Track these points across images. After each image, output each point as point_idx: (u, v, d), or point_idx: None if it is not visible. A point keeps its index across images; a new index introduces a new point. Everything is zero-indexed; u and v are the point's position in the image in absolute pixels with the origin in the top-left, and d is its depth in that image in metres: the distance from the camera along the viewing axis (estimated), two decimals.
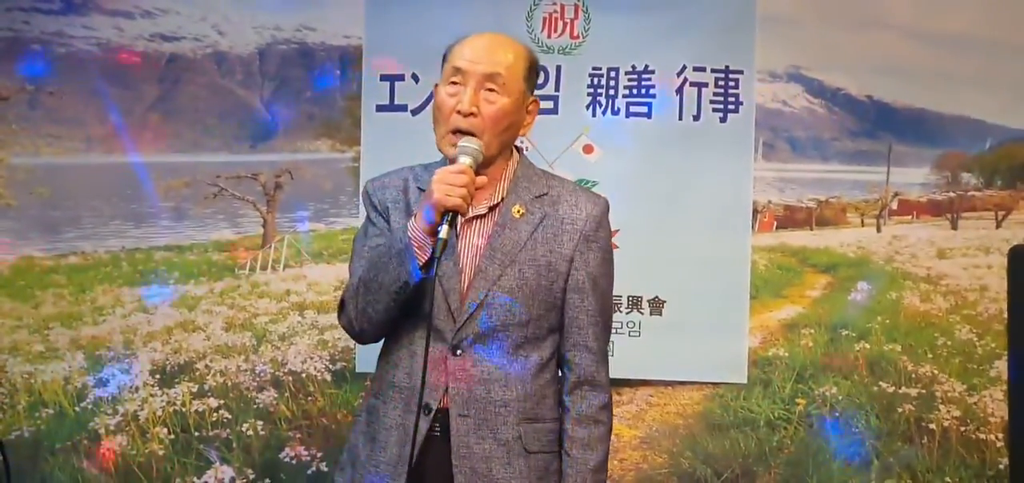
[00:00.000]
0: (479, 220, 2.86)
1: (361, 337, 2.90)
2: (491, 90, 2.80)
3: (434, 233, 2.67)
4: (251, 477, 4.76)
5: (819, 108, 4.91)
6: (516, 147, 2.95)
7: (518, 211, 2.86)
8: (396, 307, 2.77)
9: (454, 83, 2.81)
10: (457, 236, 2.80)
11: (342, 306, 2.89)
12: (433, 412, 2.79)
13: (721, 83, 4.69)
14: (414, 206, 2.83)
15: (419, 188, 2.88)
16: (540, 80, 4.57)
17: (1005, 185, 4.83)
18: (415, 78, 4.67)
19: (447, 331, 2.80)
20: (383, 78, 4.70)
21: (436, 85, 2.91)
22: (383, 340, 2.93)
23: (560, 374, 2.94)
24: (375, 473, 2.82)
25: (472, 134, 2.77)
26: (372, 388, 2.95)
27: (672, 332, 4.69)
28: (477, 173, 2.75)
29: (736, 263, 4.71)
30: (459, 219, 2.72)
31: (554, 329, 2.89)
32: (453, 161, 2.77)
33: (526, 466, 2.83)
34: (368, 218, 2.93)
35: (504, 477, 2.81)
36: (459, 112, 2.78)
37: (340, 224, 4.86)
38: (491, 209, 2.87)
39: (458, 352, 2.80)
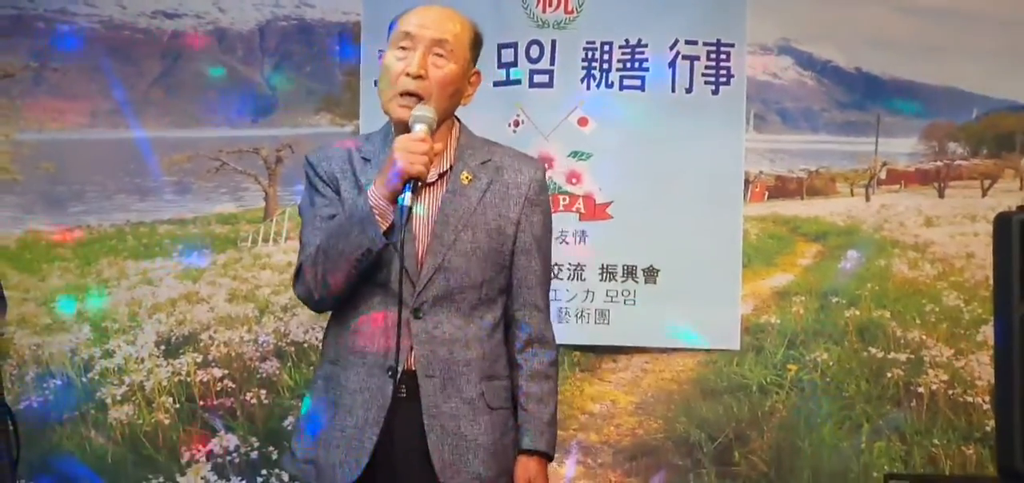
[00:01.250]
0: (429, 188, 2.89)
1: (319, 305, 2.94)
2: (439, 55, 2.85)
3: (395, 200, 2.73)
4: (255, 445, 4.83)
5: (809, 80, 4.98)
6: (456, 116, 3.00)
7: (466, 177, 2.92)
8: (356, 274, 2.81)
9: (403, 47, 2.86)
10: (410, 205, 2.83)
11: (297, 275, 2.93)
12: (399, 375, 2.83)
13: (713, 56, 4.75)
14: (361, 176, 2.88)
15: (363, 158, 2.93)
16: (535, 55, 4.75)
17: (991, 154, 4.91)
18: None
19: (407, 296, 2.83)
20: (381, 53, 4.72)
21: (382, 51, 2.97)
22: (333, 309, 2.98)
23: (509, 334, 3.00)
24: (341, 436, 2.85)
25: (420, 97, 2.82)
26: (328, 355, 2.96)
27: (666, 300, 4.77)
28: None
29: (728, 232, 4.78)
30: (419, 185, 2.78)
31: (503, 290, 2.96)
32: (401, 123, 2.84)
33: (489, 422, 2.91)
34: (314, 188, 2.95)
35: (472, 433, 2.87)
36: (408, 74, 2.82)
37: None
38: (440, 176, 2.92)
39: (419, 315, 2.85)
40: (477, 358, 2.91)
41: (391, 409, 2.82)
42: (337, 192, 2.92)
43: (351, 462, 2.82)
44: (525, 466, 2.95)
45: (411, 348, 2.84)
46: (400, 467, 2.85)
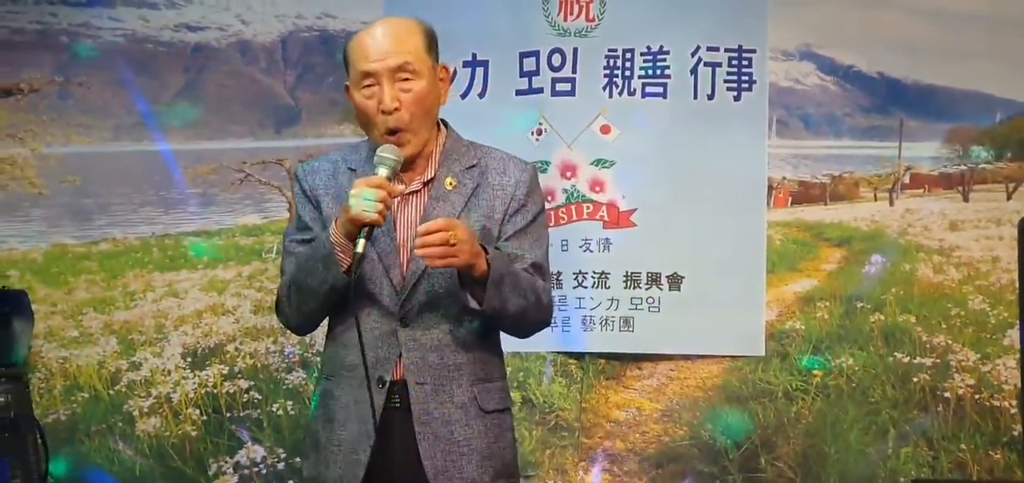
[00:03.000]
0: (414, 196, 2.88)
1: (299, 331, 3.00)
2: (404, 79, 2.81)
3: (353, 240, 2.71)
4: (282, 456, 4.83)
5: (831, 85, 4.98)
6: (442, 121, 2.98)
7: (450, 183, 2.90)
8: (330, 304, 2.82)
9: (368, 86, 2.81)
10: (394, 216, 2.82)
11: (278, 305, 2.95)
12: (388, 384, 2.83)
13: (734, 62, 4.76)
14: (347, 188, 2.81)
15: (349, 168, 2.91)
16: (557, 63, 4.76)
17: (1015, 157, 4.90)
18: None
19: (392, 306, 2.83)
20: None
21: (346, 87, 2.90)
22: (328, 323, 2.95)
23: None
24: (338, 451, 2.85)
25: (401, 129, 2.79)
26: (324, 371, 2.97)
27: (691, 307, 4.77)
28: (403, 169, 2.80)
29: (752, 239, 4.78)
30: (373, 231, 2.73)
31: None
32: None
33: (483, 426, 2.88)
34: (298, 205, 2.94)
35: (465, 437, 2.85)
36: (384, 112, 2.79)
37: None
38: (425, 184, 2.90)
39: (407, 324, 2.83)
40: (468, 362, 2.88)
41: (385, 420, 2.81)
42: (318, 208, 2.90)
43: (349, 476, 2.82)
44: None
45: (400, 357, 2.83)
46: (398, 478, 2.84)
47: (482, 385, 2.90)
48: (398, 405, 2.84)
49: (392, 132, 2.80)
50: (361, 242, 2.68)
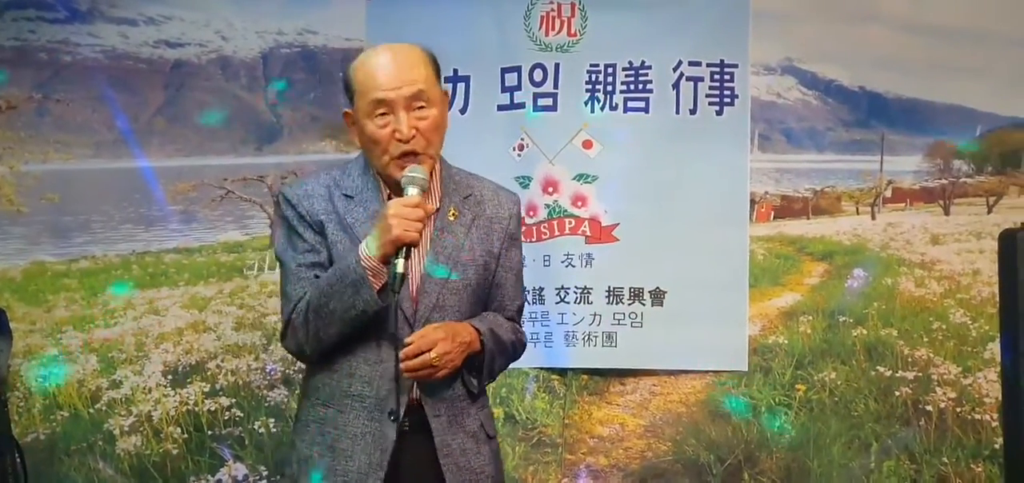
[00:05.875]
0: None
1: (310, 357, 2.93)
2: (420, 107, 2.84)
3: (387, 262, 2.72)
4: (264, 473, 4.81)
5: (813, 99, 4.99)
6: None
7: (453, 214, 2.94)
8: (350, 329, 2.81)
9: (382, 114, 2.82)
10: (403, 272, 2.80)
11: (285, 331, 2.91)
12: (401, 417, 2.85)
13: (716, 77, 4.76)
14: (346, 215, 2.87)
15: (345, 195, 2.91)
16: (539, 79, 4.76)
17: (995, 171, 4.91)
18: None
19: (404, 336, 2.81)
20: None
21: (346, 112, 2.92)
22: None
23: None
24: (343, 481, 2.84)
25: (416, 153, 2.81)
26: (316, 397, 2.93)
27: (674, 322, 4.76)
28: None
29: (735, 253, 4.78)
30: (411, 250, 2.76)
31: None
32: (395, 182, 2.83)
33: (490, 451, 2.97)
34: (293, 230, 2.91)
35: (479, 465, 2.92)
36: (399, 140, 2.81)
37: None
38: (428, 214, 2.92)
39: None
40: (467, 391, 2.95)
41: (398, 447, 2.84)
42: (321, 233, 2.89)
43: None
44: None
45: (412, 386, 2.85)
46: None
47: (483, 412, 2.99)
48: (408, 429, 2.86)
49: (405, 155, 2.82)
50: (401, 262, 2.70)
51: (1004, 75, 4.78)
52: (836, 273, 4.94)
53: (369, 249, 2.74)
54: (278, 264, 2.97)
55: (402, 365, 2.75)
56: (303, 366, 4.70)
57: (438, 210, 2.92)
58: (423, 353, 2.74)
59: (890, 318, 4.85)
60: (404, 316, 2.84)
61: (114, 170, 4.97)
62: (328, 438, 2.88)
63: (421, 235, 2.75)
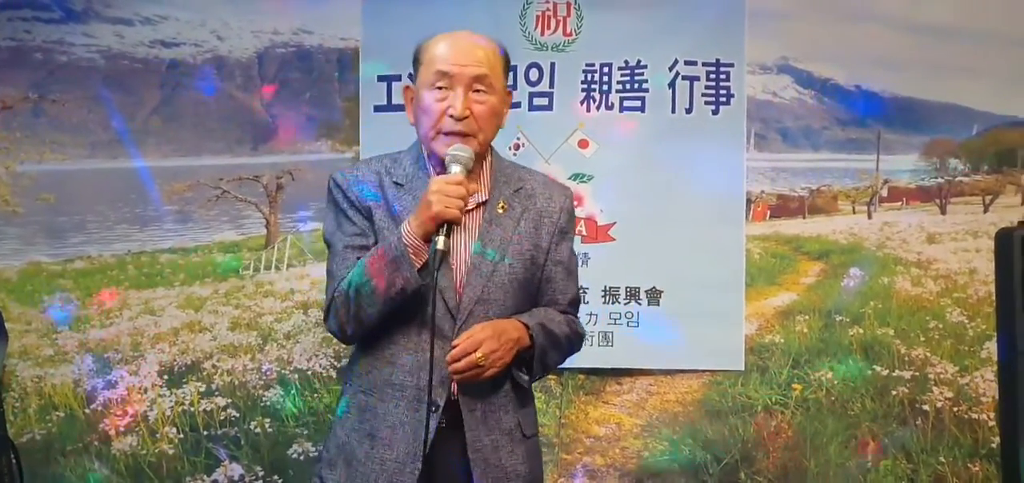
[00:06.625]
0: (467, 216, 2.89)
1: (350, 339, 2.95)
2: (480, 91, 2.86)
3: (429, 240, 2.74)
4: (260, 473, 4.80)
5: (809, 98, 4.98)
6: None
7: (502, 206, 2.94)
8: (390, 310, 2.82)
9: (441, 87, 2.85)
10: (444, 248, 2.84)
11: (329, 310, 2.92)
12: (441, 409, 2.86)
13: (712, 76, 4.76)
14: (395, 202, 2.89)
15: (396, 182, 2.93)
16: (535, 78, 4.75)
17: (992, 170, 4.91)
18: (412, 78, 4.72)
19: (448, 328, 2.85)
20: (380, 79, 4.76)
21: (406, 87, 2.98)
22: (368, 338, 2.96)
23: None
24: (380, 469, 2.86)
25: (466, 134, 2.83)
26: (358, 384, 2.96)
27: (670, 322, 4.76)
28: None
29: (731, 252, 4.78)
30: (452, 227, 2.77)
31: None
32: (440, 159, 2.84)
33: (525, 450, 2.96)
34: (343, 213, 2.94)
35: (511, 464, 2.91)
36: (452, 116, 2.83)
37: None
38: (478, 205, 2.94)
39: None
40: (511, 388, 2.94)
41: (432, 442, 2.84)
42: (369, 219, 2.91)
43: None
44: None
45: (451, 379, 2.85)
46: None
47: (524, 410, 2.98)
48: (445, 426, 2.87)
49: (454, 134, 2.83)
50: (441, 239, 2.72)
51: (1000, 74, 4.79)
52: (832, 272, 4.93)
53: (411, 227, 2.76)
54: (327, 247, 2.99)
55: (449, 367, 2.76)
56: (298, 366, 4.80)
57: (487, 202, 2.93)
58: (469, 354, 2.75)
59: (887, 317, 4.84)
60: (447, 307, 2.85)
61: (110, 170, 4.95)
62: (368, 427, 2.90)
63: (462, 213, 2.75)
